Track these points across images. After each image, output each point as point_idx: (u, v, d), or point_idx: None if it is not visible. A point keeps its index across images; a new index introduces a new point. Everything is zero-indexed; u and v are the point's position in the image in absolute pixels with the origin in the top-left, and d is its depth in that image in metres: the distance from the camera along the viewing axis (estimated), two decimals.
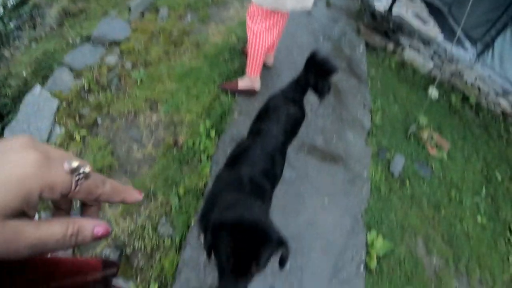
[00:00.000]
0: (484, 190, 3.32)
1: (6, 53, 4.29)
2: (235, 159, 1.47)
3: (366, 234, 2.43)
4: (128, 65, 2.69)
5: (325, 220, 2.30)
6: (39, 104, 2.67)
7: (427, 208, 2.93)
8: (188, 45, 2.77)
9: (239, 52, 2.84)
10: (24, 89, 3.60)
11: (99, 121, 2.47)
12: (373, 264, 2.38)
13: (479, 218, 3.10)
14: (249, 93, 2.47)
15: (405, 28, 3.70)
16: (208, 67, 2.60)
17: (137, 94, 2.49)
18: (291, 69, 2.69)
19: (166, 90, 2.48)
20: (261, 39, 2.15)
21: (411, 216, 2.79)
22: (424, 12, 4.08)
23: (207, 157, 2.18)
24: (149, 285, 1.91)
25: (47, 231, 0.29)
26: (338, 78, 2.91)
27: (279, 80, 2.57)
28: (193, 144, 2.22)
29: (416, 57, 3.72)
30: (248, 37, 2.20)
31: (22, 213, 0.27)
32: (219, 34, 2.98)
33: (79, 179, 0.30)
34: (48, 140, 2.42)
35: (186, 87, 2.48)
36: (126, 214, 2.10)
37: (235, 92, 2.47)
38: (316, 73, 1.71)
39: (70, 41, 3.50)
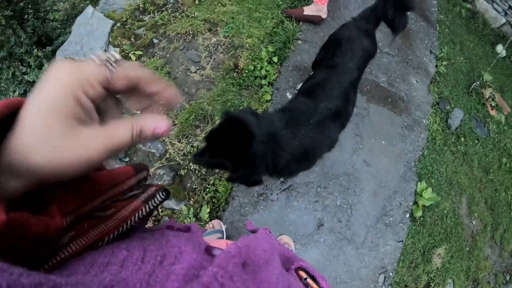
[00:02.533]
0: None
1: None
2: (311, 91, 1.40)
3: (417, 183, 2.38)
4: None
5: (380, 163, 2.24)
6: (92, 25, 2.60)
7: (477, 169, 2.83)
8: None
9: None
10: (73, 12, 3.53)
11: (155, 41, 2.39)
12: (419, 213, 2.35)
13: None
14: (315, 21, 2.31)
15: None
16: None
17: (195, 15, 2.37)
18: (359, 0, 2.48)
19: (226, 12, 2.35)
20: None
21: (460, 174, 2.70)
22: None
23: (268, 83, 2.10)
24: (201, 208, 1.94)
25: (117, 135, 0.29)
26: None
27: (346, 11, 2.38)
28: (254, 69, 2.13)
29: (489, 8, 3.38)
30: None
31: (83, 121, 0.27)
32: None
33: (111, 64, 0.30)
34: None
35: (248, 9, 2.33)
36: (181, 136, 2.09)
37: (300, 18, 2.31)
38: (395, 4, 1.56)
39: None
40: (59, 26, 3.36)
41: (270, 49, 2.17)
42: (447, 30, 2.98)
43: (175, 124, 2.10)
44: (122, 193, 0.37)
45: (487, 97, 3.00)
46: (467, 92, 2.91)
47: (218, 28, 2.32)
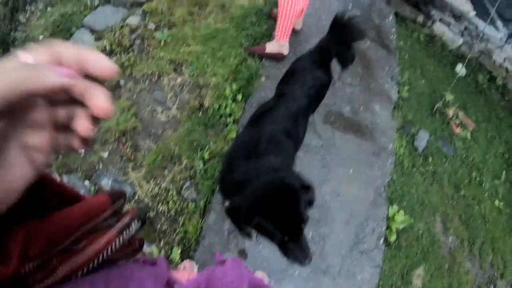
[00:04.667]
0: (504, 175, 3.27)
1: (21, 17, 4.19)
2: (257, 119, 1.44)
3: (388, 208, 2.42)
4: (151, 26, 2.60)
5: (349, 191, 2.27)
6: None
7: (448, 187, 2.90)
8: (213, 6, 2.66)
9: (267, 15, 2.74)
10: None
11: (122, 83, 2.42)
12: (393, 237, 2.38)
13: (496, 202, 3.08)
14: (277, 57, 2.39)
15: (437, 1, 3.54)
16: (234, 29, 2.51)
17: (161, 56, 2.42)
18: (320, 35, 2.57)
19: (191, 52, 2.41)
20: (292, 3, 2.09)
21: (432, 193, 2.76)
22: None
23: (233, 121, 2.14)
24: (172, 249, 1.91)
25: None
26: (367, 47, 2.80)
27: (307, 45, 2.47)
28: (219, 107, 2.17)
29: (446, 31, 3.57)
30: (279, 1, 2.12)
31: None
32: None
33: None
34: None
35: (212, 49, 2.40)
36: (150, 177, 2.09)
37: (263, 56, 2.39)
38: (341, 38, 1.64)
39: (89, 3, 3.39)
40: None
41: (234, 87, 2.22)
42: (406, 56, 3.13)
43: (141, 166, 2.10)
44: (99, 225, 0.36)
45: (451, 116, 3.12)
46: (431, 113, 3.03)
47: (183, 68, 2.37)
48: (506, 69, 3.69)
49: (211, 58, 2.36)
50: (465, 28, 3.65)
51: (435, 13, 3.53)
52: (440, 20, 3.58)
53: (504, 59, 3.65)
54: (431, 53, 3.45)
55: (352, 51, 1.69)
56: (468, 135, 3.20)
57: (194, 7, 2.65)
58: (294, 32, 2.53)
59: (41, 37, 3.56)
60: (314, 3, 2.74)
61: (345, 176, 2.27)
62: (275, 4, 2.39)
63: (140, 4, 2.78)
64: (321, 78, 1.61)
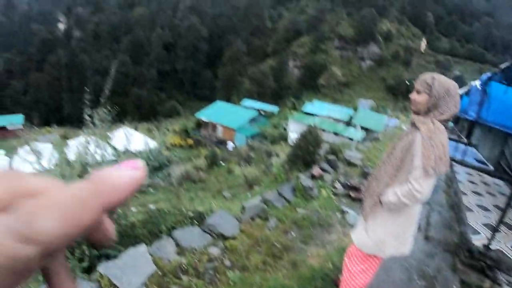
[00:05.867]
0: None
1: None
2: None
3: None
4: (227, 262, 2.85)
5: None
6: (138, 261, 2.87)
7: None
8: (287, 261, 2.87)
9: (332, 282, 2.77)
10: (129, 240, 4.03)
11: None
12: None
13: None
14: None
15: (504, 264, 3.34)
16: None
17: None
18: None
19: None
20: (357, 279, 2.12)
21: None
22: None
23: None
24: None
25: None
26: None
27: None
28: None
29: None
30: (343, 275, 2.20)
31: None
32: (317, 256, 3.06)
33: None
34: None
35: None
36: None
37: None
38: None
39: (184, 211, 4.03)
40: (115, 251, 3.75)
41: None
42: None
43: None
44: None
45: None
46: None
47: None
48: None
49: None
50: None
51: (501, 277, 3.28)
52: (508, 283, 3.25)
53: None
54: None
55: None
56: None
57: (270, 258, 2.89)
58: None
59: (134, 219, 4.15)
60: (379, 275, 2.74)
61: None
62: (341, 271, 2.46)
63: (225, 238, 3.19)
64: None
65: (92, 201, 0.24)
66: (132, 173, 0.27)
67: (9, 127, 35.28)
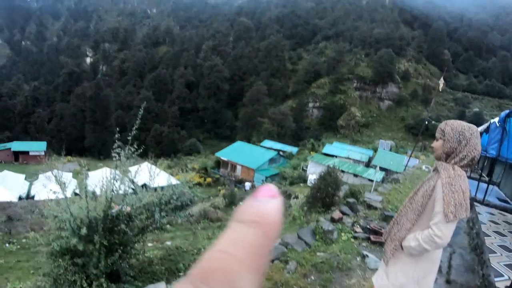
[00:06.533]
0: None
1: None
2: None
3: None
4: None
5: None
6: None
7: None
8: None
9: None
10: (150, 275, 4.00)
11: None
12: None
13: None
14: None
15: None
16: None
17: None
18: None
19: None
20: None
21: None
22: None
23: None
24: None
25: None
26: None
27: None
28: None
29: None
30: None
31: None
32: None
33: None
34: None
35: None
36: None
37: None
38: None
39: (202, 249, 3.99)
40: (131, 274, 3.72)
41: None
42: None
43: None
44: None
45: None
46: None
47: None
48: None
49: None
50: None
51: None
52: None
53: None
54: None
55: None
56: None
57: None
58: None
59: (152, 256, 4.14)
60: None
61: None
62: None
63: None
64: None
65: (267, 246, 0.24)
66: (277, 202, 0.26)
67: (32, 153, 36.84)
